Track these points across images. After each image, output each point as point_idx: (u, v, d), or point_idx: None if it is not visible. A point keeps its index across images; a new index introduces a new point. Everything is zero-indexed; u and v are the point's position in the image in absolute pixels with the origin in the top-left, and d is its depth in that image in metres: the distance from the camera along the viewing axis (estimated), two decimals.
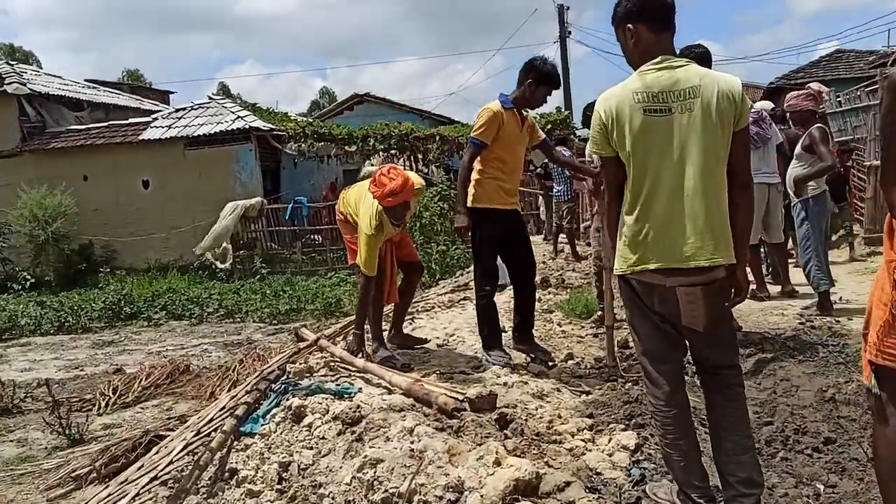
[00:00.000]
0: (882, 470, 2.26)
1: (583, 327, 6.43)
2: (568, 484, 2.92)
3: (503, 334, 5.12)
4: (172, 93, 32.20)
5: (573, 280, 8.95)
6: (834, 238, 9.73)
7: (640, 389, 4.26)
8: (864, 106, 13.10)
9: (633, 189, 2.63)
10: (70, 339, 11.51)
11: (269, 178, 19.32)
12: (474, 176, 4.76)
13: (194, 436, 3.81)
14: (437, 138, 18.34)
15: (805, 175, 5.97)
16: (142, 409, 6.77)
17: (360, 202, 4.85)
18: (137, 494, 3.49)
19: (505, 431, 3.50)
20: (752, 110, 5.69)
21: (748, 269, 3.23)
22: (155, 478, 3.51)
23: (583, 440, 3.56)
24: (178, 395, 7.17)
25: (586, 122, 6.74)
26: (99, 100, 21.81)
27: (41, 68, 28.90)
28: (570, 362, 5.11)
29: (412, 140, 18.39)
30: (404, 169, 5.39)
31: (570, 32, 25.34)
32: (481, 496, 2.83)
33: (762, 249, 7.25)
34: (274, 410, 3.99)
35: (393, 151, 18.67)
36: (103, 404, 6.80)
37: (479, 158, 4.73)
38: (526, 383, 4.30)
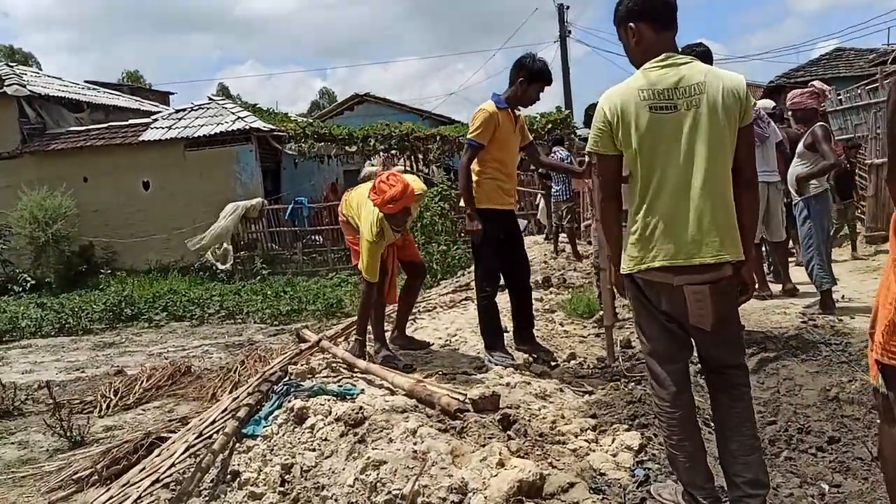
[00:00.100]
0: (889, 470, 2.25)
1: (585, 327, 6.42)
2: (572, 485, 2.91)
3: (505, 335, 5.10)
4: (172, 94, 32.24)
5: (575, 280, 8.94)
6: (837, 236, 9.74)
7: (643, 389, 4.25)
8: (864, 104, 13.08)
9: (640, 187, 2.61)
10: (71, 340, 11.48)
11: (269, 179, 19.32)
12: (472, 177, 4.75)
13: (196, 438, 3.80)
14: (438, 138, 18.32)
15: (808, 173, 5.95)
16: (143, 410, 6.75)
17: (361, 206, 4.83)
18: (139, 497, 3.48)
19: (508, 432, 3.49)
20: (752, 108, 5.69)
21: None
22: (157, 480, 3.49)
23: (586, 441, 3.54)
24: (180, 396, 7.15)
25: (589, 122, 6.72)
26: (99, 101, 21.80)
27: (41, 70, 28.91)
28: (572, 362, 5.10)
29: (412, 140, 18.37)
30: (405, 169, 5.36)
31: (570, 32, 25.31)
32: (485, 497, 2.82)
33: (763, 248, 7.24)
34: (276, 412, 3.97)
35: (393, 151, 18.65)
36: (104, 406, 6.78)
37: (476, 160, 4.72)
38: (529, 384, 4.29)
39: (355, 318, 5.95)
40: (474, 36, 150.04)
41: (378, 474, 3.12)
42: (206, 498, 3.60)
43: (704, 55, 4.56)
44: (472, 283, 8.72)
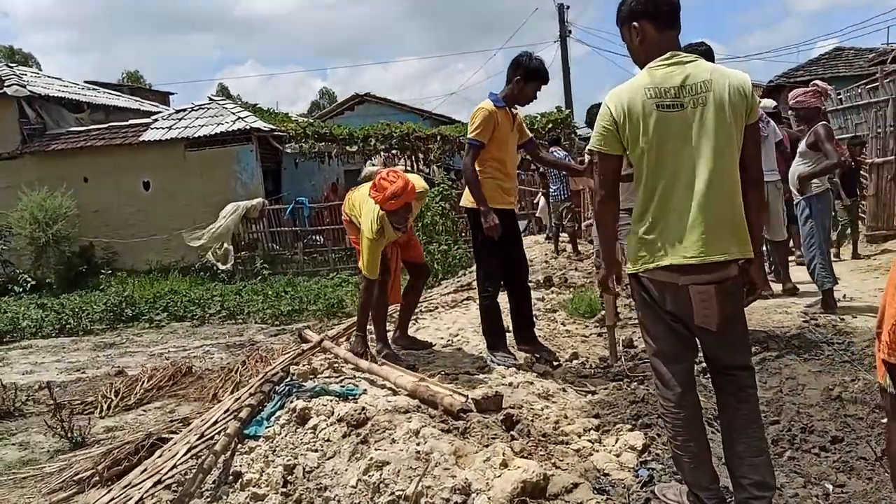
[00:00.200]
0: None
1: (587, 326, 6.41)
2: (576, 485, 2.90)
3: (507, 335, 5.09)
4: (172, 94, 32.25)
5: (576, 279, 8.92)
6: (846, 233, 9.77)
7: (645, 389, 4.24)
8: (865, 103, 13.07)
9: (646, 186, 2.60)
10: (71, 341, 11.47)
11: (270, 179, 19.31)
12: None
13: (198, 439, 3.79)
14: (439, 138, 18.31)
15: (810, 172, 5.94)
16: (144, 411, 6.73)
17: (363, 205, 4.83)
18: (141, 498, 3.46)
19: (511, 432, 3.48)
20: None
21: None
22: (159, 482, 3.48)
23: (589, 441, 3.54)
24: (181, 397, 7.13)
25: (591, 123, 6.71)
26: (99, 101, 21.78)
27: (41, 70, 28.90)
28: (574, 362, 5.09)
29: (413, 140, 18.36)
30: (406, 169, 5.34)
31: (570, 32, 25.26)
32: (489, 498, 2.81)
33: (764, 247, 7.23)
34: (278, 413, 3.96)
35: (394, 151, 18.64)
36: (105, 407, 6.76)
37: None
38: (531, 383, 4.28)
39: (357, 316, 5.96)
40: (474, 36, 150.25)
41: (381, 475, 3.11)
42: (208, 499, 3.59)
43: (706, 54, 4.54)
44: (474, 283, 8.74)
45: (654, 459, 3.32)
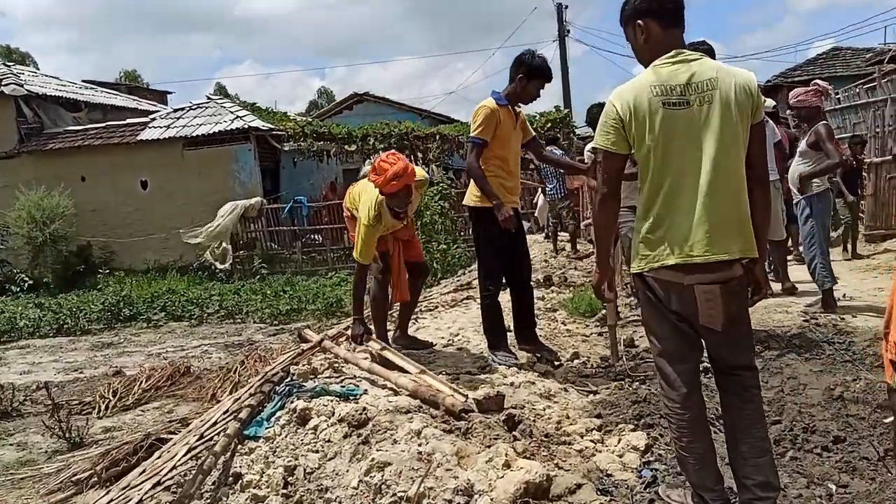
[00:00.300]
0: None
1: (587, 326, 6.40)
2: (579, 486, 2.88)
3: (508, 334, 5.07)
4: (170, 93, 32.17)
5: (576, 278, 8.91)
6: (850, 231, 9.81)
7: (647, 389, 4.23)
8: (863, 103, 13.08)
9: (652, 184, 2.58)
10: (69, 341, 11.42)
11: (268, 178, 19.26)
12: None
13: (198, 440, 3.76)
14: (437, 137, 18.30)
15: (812, 172, 5.93)
16: (142, 411, 6.70)
17: (362, 194, 4.82)
18: (140, 500, 3.44)
19: (514, 433, 3.46)
20: None
21: None
22: (158, 483, 3.45)
23: (592, 441, 3.52)
24: (179, 397, 7.09)
25: (591, 123, 6.69)
26: (96, 100, 21.73)
27: (38, 69, 28.84)
28: (576, 361, 5.08)
29: (412, 139, 18.36)
30: None
31: (568, 31, 25.26)
32: (491, 499, 2.79)
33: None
34: (278, 413, 3.93)
35: (393, 150, 18.61)
36: (103, 407, 6.72)
37: None
38: (533, 383, 4.27)
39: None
40: (473, 36, 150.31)
41: (383, 476, 3.09)
42: (208, 501, 3.56)
43: (708, 53, 4.52)
44: (474, 282, 8.74)
45: (657, 460, 3.31)
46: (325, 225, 17.88)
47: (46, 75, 22.82)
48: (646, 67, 2.63)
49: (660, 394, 2.82)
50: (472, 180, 4.79)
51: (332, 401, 3.89)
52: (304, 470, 3.43)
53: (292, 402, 3.94)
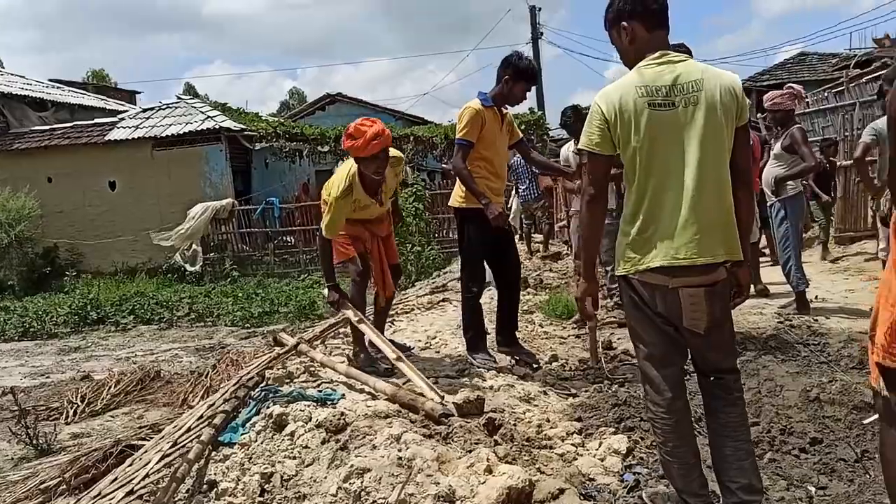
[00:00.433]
0: (891, 474, 2.21)
1: (564, 328, 6.39)
2: (562, 491, 2.84)
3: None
4: (139, 93, 31.74)
5: (551, 280, 8.92)
6: (829, 233, 9.99)
7: (627, 391, 4.22)
8: (831, 107, 13.29)
9: (637, 186, 2.55)
10: (35, 345, 11.20)
11: (239, 179, 19.07)
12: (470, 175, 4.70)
13: (171, 447, 3.67)
14: (412, 138, 18.25)
15: (788, 175, 5.99)
16: (111, 417, 6.59)
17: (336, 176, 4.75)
18: None
19: (495, 437, 3.41)
20: None
21: None
22: (131, 491, 3.36)
23: (573, 445, 3.49)
24: (149, 402, 6.99)
25: (565, 125, 6.70)
26: (63, 100, 21.41)
27: (3, 68, 28.30)
28: (554, 364, 5.05)
29: None
30: None
31: (542, 34, 25.35)
32: None
33: None
34: (254, 419, 3.85)
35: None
36: (71, 413, 6.61)
37: None
38: (512, 386, 4.23)
39: (331, 320, 5.85)
40: (445, 38, 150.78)
41: (362, 482, 3.03)
42: None
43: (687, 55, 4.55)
44: (449, 285, 8.72)
45: (639, 463, 3.29)
46: (298, 226, 17.75)
47: (12, 74, 22.44)
48: (630, 69, 2.61)
49: (644, 398, 2.80)
50: (458, 181, 4.76)
51: (309, 406, 3.82)
52: (281, 477, 3.36)
53: (268, 408, 3.86)
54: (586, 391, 4.35)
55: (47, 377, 8.61)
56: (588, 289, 2.85)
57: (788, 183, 6.05)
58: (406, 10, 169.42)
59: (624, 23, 2.62)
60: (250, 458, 3.57)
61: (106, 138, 17.75)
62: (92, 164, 17.79)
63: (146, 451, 3.86)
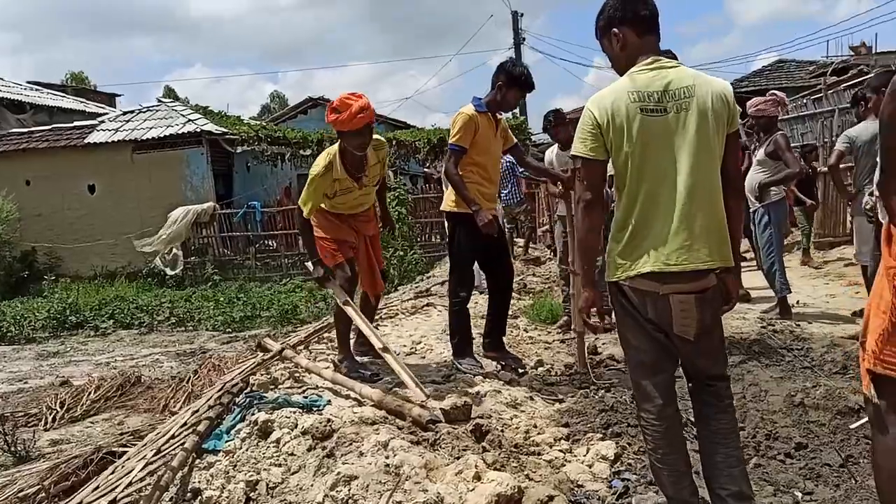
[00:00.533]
0: (881, 480, 2.22)
1: (549, 332, 6.39)
2: (551, 498, 2.82)
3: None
4: (119, 95, 31.57)
5: (535, 285, 8.92)
6: (811, 239, 10.08)
7: (613, 397, 4.22)
8: (810, 114, 13.44)
9: (629, 192, 2.55)
10: (13, 350, 11.08)
11: (220, 183, 18.94)
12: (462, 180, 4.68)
13: (155, 454, 3.61)
14: (394, 143, 18.21)
15: (772, 181, 6.03)
16: (91, 423, 6.51)
17: None
18: None
19: (482, 444, 3.40)
20: None
21: None
22: (113, 500, 3.30)
23: (561, 451, 3.47)
24: (130, 408, 6.91)
25: (547, 129, 6.69)
26: (42, 102, 21.19)
27: None
28: (540, 369, 5.04)
29: None
30: None
31: (524, 39, 25.45)
32: None
33: None
34: (239, 426, 3.80)
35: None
36: (50, 419, 6.52)
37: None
38: (499, 392, 4.21)
39: (317, 324, 5.81)
40: (427, 42, 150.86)
41: (349, 490, 3.00)
42: None
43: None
44: (433, 289, 8.70)
45: (628, 469, 3.28)
46: (280, 230, 17.65)
47: None
48: (621, 76, 2.61)
49: (635, 405, 2.79)
50: (449, 186, 4.75)
51: (294, 412, 3.78)
52: (267, 485, 3.32)
53: (253, 414, 3.82)
54: (572, 396, 4.33)
55: (25, 383, 8.51)
56: (590, 297, 2.78)
57: (772, 189, 6.10)
58: (387, 15, 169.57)
59: (615, 29, 2.62)
60: (235, 466, 3.52)
61: (85, 141, 17.59)
62: (71, 167, 17.61)
63: (129, 459, 3.81)
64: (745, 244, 8.59)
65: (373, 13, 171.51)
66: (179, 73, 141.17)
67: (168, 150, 17.45)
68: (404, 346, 5.54)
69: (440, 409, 3.67)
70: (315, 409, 3.83)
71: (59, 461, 4.74)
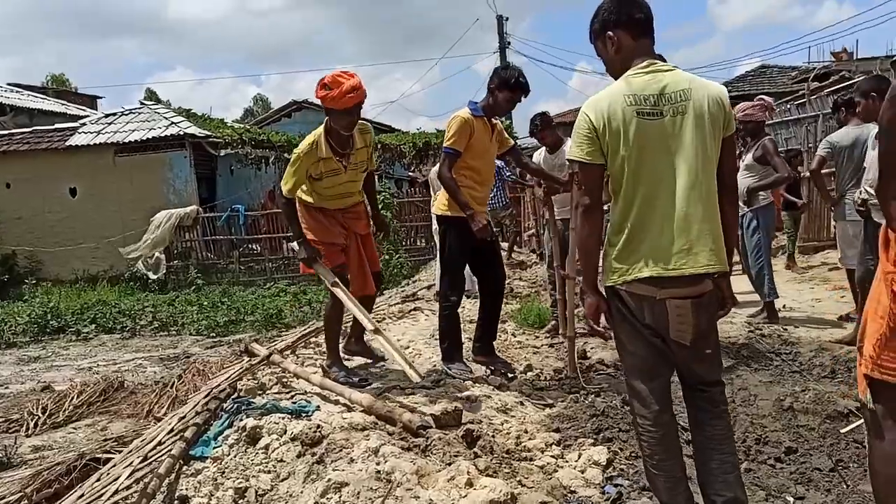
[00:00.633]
0: (878, 485, 2.22)
1: (537, 337, 6.37)
2: None
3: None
4: (101, 98, 31.25)
5: (521, 289, 8.91)
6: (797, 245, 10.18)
7: (604, 401, 4.20)
8: (794, 119, 13.53)
9: (625, 197, 2.53)
10: None
11: (204, 186, 18.80)
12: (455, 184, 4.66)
13: (141, 461, 3.56)
14: (379, 146, 18.17)
15: (761, 185, 6.06)
16: (74, 429, 6.40)
17: None
18: None
19: (474, 449, 3.36)
20: None
21: None
22: None
23: (552, 456, 3.45)
24: (113, 413, 6.81)
25: (534, 133, 6.68)
26: (23, 104, 20.99)
27: None
28: (529, 374, 5.02)
29: None
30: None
31: (509, 43, 25.47)
32: None
33: None
34: (227, 432, 3.75)
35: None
36: (32, 425, 6.41)
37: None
38: (489, 397, 4.19)
39: (304, 329, 5.75)
40: (410, 46, 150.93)
41: (340, 497, 2.96)
42: None
43: None
44: (420, 293, 8.66)
45: (620, 475, 3.26)
46: (264, 234, 17.54)
47: None
48: (616, 79, 2.59)
49: (631, 411, 2.76)
50: (440, 189, 4.72)
51: (283, 418, 3.74)
52: (256, 492, 3.27)
53: (241, 420, 3.78)
54: (563, 401, 4.32)
55: (6, 388, 8.36)
56: (593, 303, 2.72)
57: (760, 193, 6.13)
58: (371, 19, 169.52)
59: (609, 32, 2.60)
60: (223, 473, 3.47)
61: (67, 144, 17.39)
62: (52, 169, 17.41)
63: (114, 466, 3.74)
64: None
65: (359, 16, 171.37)
66: (162, 75, 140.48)
67: (150, 153, 17.30)
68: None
69: (431, 414, 3.64)
70: (304, 414, 3.79)
71: (42, 468, 4.67)
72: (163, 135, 17.09)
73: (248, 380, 4.61)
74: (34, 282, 16.41)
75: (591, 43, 2.73)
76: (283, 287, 14.41)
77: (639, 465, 3.27)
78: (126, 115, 18.63)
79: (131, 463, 3.58)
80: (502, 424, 3.81)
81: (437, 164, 6.54)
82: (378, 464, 3.12)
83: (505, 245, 12.21)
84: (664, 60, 2.71)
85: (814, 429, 3.94)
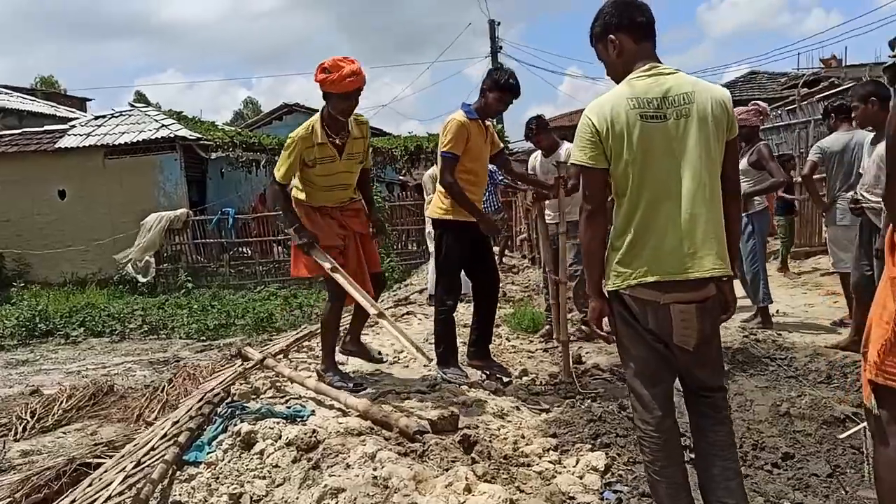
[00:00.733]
0: (882, 491, 2.20)
1: (531, 342, 6.35)
2: None
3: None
4: (90, 100, 31.07)
5: (514, 293, 8.89)
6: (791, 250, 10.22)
7: (601, 406, 4.18)
8: (785, 124, 13.62)
9: (630, 200, 2.50)
10: None
11: (194, 189, 18.70)
12: (440, 188, 4.67)
13: (134, 466, 3.51)
14: (370, 150, 18.13)
15: (756, 190, 6.06)
16: (63, 433, 6.33)
17: None
18: None
19: (472, 455, 3.33)
20: None
21: None
22: None
23: (550, 462, 3.42)
24: (103, 417, 6.74)
25: (529, 136, 6.68)
26: (11, 106, 20.82)
27: None
28: (524, 379, 5.00)
29: None
30: None
31: (501, 47, 25.54)
32: None
33: None
34: (221, 437, 3.70)
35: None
36: (20, 429, 6.32)
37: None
38: (485, 402, 4.16)
39: (297, 333, 5.71)
40: (405, 50, 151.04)
41: (336, 503, 2.93)
42: None
43: None
44: (412, 297, 8.64)
45: (619, 481, 3.24)
46: (254, 237, 17.46)
47: None
48: (618, 83, 2.58)
49: (633, 417, 2.74)
50: (435, 192, 4.70)
51: (278, 423, 3.69)
52: (251, 498, 3.23)
53: (235, 425, 3.73)
54: (559, 406, 4.29)
55: None
56: (597, 308, 2.68)
57: (755, 198, 6.14)
58: (363, 27, 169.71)
59: (611, 36, 2.58)
60: (217, 478, 3.42)
61: (56, 146, 17.27)
62: (41, 171, 17.28)
63: (107, 471, 3.69)
64: None
65: (350, 24, 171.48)
66: (151, 78, 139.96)
67: (141, 156, 17.19)
68: (387, 355, 5.46)
69: (427, 419, 3.61)
70: (299, 419, 3.75)
71: (31, 473, 4.60)
72: (153, 137, 16.99)
73: (242, 384, 4.57)
74: (22, 284, 16.25)
75: (591, 46, 2.71)
76: (274, 290, 14.34)
77: (637, 470, 3.26)
78: (116, 117, 18.53)
79: (124, 468, 3.53)
80: (499, 430, 3.79)
81: (431, 168, 6.55)
82: (375, 469, 3.09)
83: (496, 249, 12.21)
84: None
85: (811, 434, 3.94)
